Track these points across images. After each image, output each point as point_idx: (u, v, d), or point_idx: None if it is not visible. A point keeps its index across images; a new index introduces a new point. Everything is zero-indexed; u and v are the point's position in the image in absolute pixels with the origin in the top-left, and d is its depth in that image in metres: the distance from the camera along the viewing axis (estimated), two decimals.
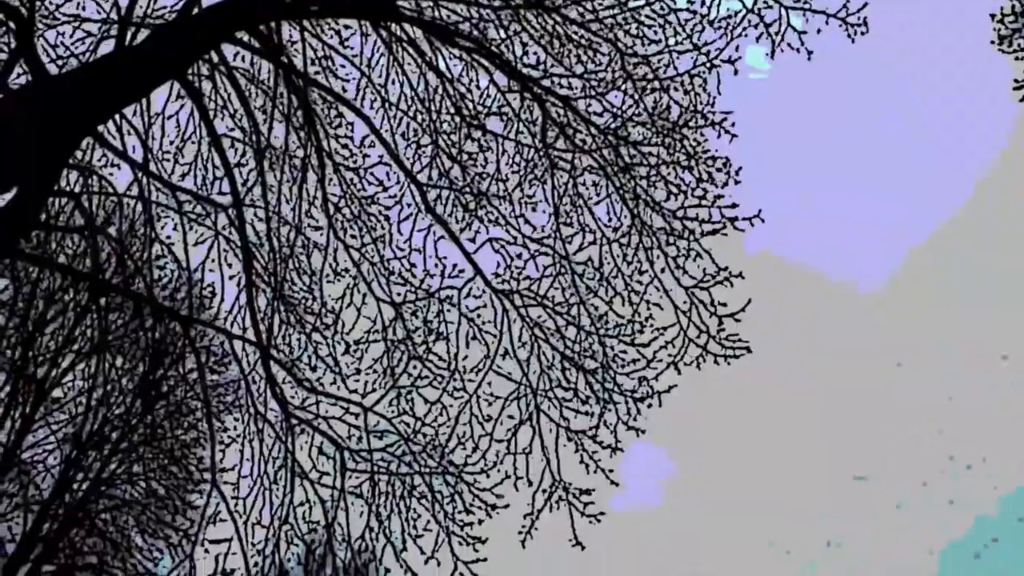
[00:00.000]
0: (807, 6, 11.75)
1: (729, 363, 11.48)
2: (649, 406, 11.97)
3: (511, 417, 11.57)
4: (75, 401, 20.06)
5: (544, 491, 11.20)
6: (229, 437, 12.75)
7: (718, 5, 12.07)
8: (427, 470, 11.45)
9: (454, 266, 12.21)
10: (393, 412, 11.68)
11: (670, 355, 11.54)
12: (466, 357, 11.88)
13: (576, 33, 12.68)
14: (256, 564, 11.62)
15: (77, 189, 13.06)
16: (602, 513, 11.28)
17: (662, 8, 12.26)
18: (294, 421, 11.58)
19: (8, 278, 19.43)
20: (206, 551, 11.64)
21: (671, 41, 12.43)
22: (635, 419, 11.71)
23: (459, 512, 11.27)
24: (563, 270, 12.04)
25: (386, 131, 13.07)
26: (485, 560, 11.02)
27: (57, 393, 20.10)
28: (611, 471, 11.62)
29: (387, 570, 11.23)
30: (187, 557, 12.34)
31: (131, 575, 19.16)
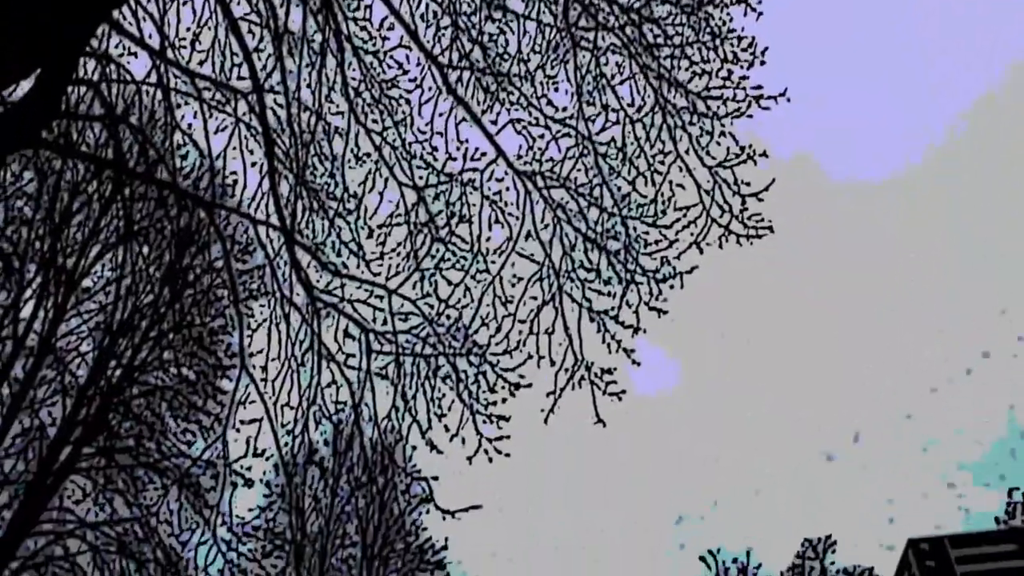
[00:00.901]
0: None
1: (752, 243, 11.46)
2: (671, 287, 12.01)
3: (534, 298, 11.66)
4: (104, 291, 20.39)
5: (566, 370, 11.34)
6: (256, 322, 12.94)
7: None
8: (451, 351, 11.61)
9: (476, 148, 12.13)
10: (417, 294, 11.79)
11: (692, 235, 11.52)
12: (489, 239, 11.92)
13: None
14: (286, 444, 11.93)
15: (96, 78, 13.00)
16: (623, 391, 11.44)
17: None
18: (319, 304, 11.72)
19: (32, 170, 19.53)
20: (237, 431, 11.95)
21: None
22: (657, 300, 11.76)
23: (483, 391, 11.47)
24: (585, 151, 11.95)
25: (405, 12, 12.82)
26: (508, 437, 11.26)
27: (87, 283, 20.41)
28: (632, 351, 11.75)
29: (413, 448, 11.51)
30: (219, 438, 12.69)
31: (166, 456, 19.75)
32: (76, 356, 20.23)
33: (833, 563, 27.80)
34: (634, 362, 11.87)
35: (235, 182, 13.32)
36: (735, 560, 27.85)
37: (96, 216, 19.80)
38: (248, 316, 13.09)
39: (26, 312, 19.95)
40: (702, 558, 28.14)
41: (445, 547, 28.09)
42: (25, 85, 10.06)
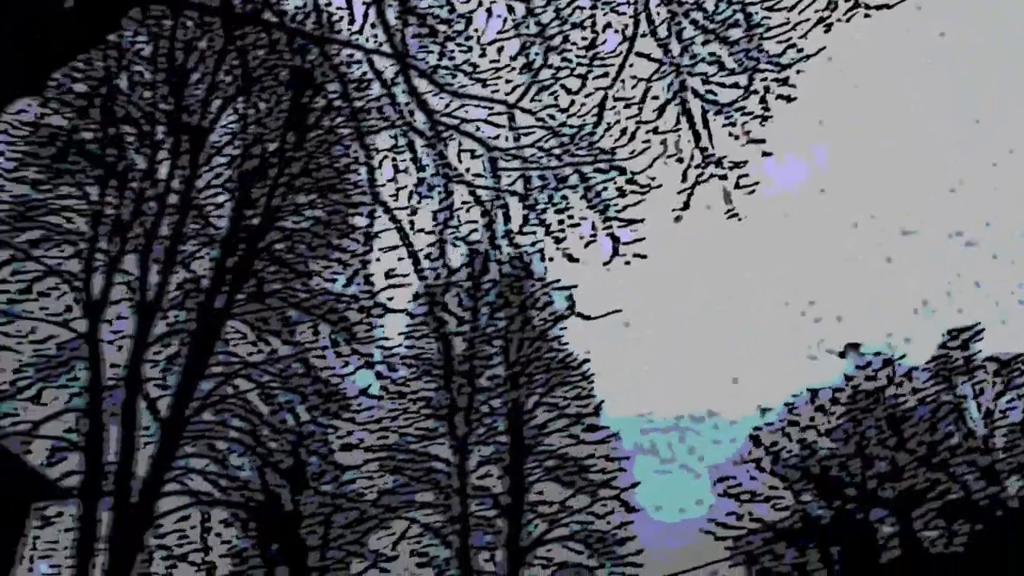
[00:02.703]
0: None
1: (884, 12, 10.77)
2: (798, 72, 11.51)
3: (656, 98, 11.35)
4: (232, 143, 20.97)
5: (696, 167, 11.13)
6: (381, 154, 13.09)
7: None
8: (577, 160, 11.54)
9: None
10: (538, 107, 11.65)
11: (817, 12, 10.89)
12: (604, 42, 11.57)
13: None
14: (425, 268, 12.26)
15: None
16: (756, 183, 11.22)
17: None
18: (441, 128, 11.73)
19: (145, 32, 19.83)
20: (378, 260, 12.34)
21: None
22: (784, 86, 11.31)
23: (613, 197, 11.43)
24: None
25: None
26: (643, 240, 11.26)
27: (213, 138, 21.00)
28: (762, 141, 11.42)
29: (550, 259, 11.64)
30: (360, 271, 13.15)
31: (313, 295, 20.68)
32: (215, 208, 21.09)
33: (979, 351, 27.19)
34: (764, 153, 11.58)
35: (341, 18, 13.25)
36: (877, 353, 27.61)
37: (212, 70, 20.15)
38: (373, 149, 13.24)
39: (162, 172, 20.79)
40: (842, 353, 27.98)
41: (587, 359, 28.82)
42: None
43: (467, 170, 12.00)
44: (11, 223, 20.11)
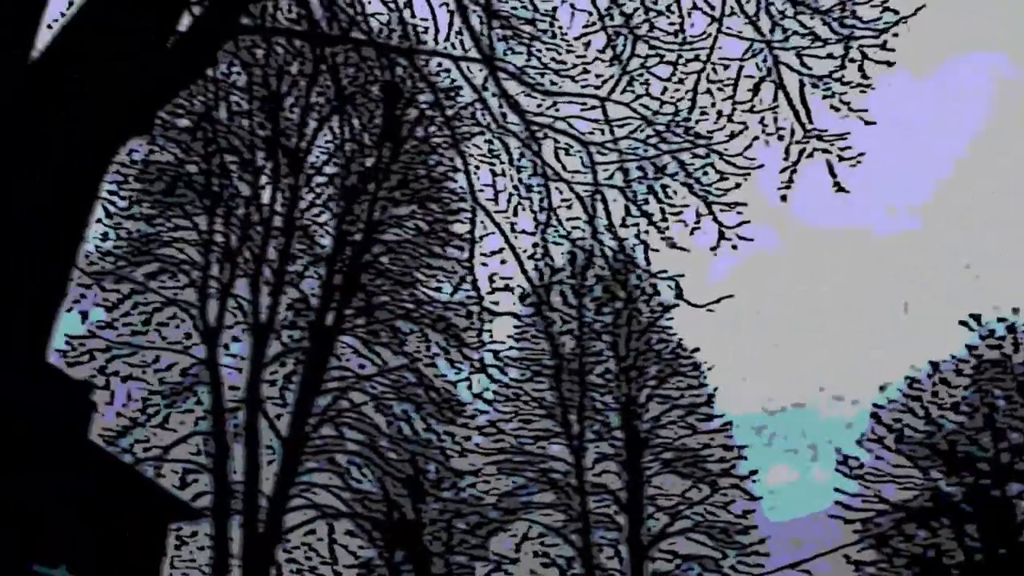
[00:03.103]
0: None
1: None
2: (895, 35, 11.15)
3: (750, 77, 11.15)
4: (330, 162, 21.43)
5: (797, 143, 10.89)
6: (477, 159, 13.19)
7: None
8: (675, 147, 11.42)
9: None
10: (630, 98, 11.57)
11: None
12: (692, 25, 11.42)
13: None
14: (529, 268, 12.29)
15: None
16: (862, 154, 10.91)
17: None
18: (535, 128, 11.75)
19: (238, 63, 20.38)
20: (484, 265, 12.43)
21: None
22: (883, 51, 10.97)
23: (714, 182, 11.27)
24: None
25: None
26: (748, 222, 11.08)
27: (311, 159, 21.50)
28: (864, 110, 11.11)
29: (654, 250, 11.55)
30: (465, 278, 13.27)
31: (420, 305, 20.94)
32: (318, 227, 21.58)
33: None
34: (866, 122, 11.26)
35: (426, 29, 13.40)
36: (1000, 320, 26.45)
37: (305, 92, 20.62)
38: (469, 155, 13.35)
39: (265, 197, 21.38)
40: (963, 322, 26.88)
41: (697, 348, 28.46)
42: None
43: (564, 167, 12.00)
44: (129, 258, 20.95)
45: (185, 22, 7.66)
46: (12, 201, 2.86)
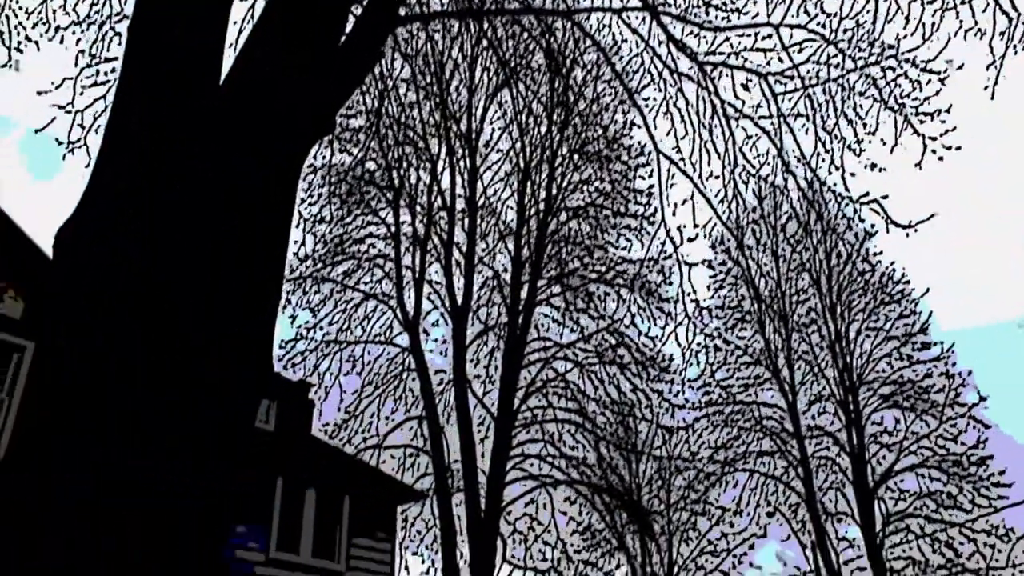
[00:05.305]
0: None
1: None
2: None
3: None
4: (503, 137, 21.54)
5: (1001, 35, 9.97)
6: (653, 110, 12.87)
7: None
8: (860, 63, 10.75)
9: None
10: (805, 19, 10.95)
11: None
12: None
13: None
14: (721, 213, 11.89)
15: None
16: None
17: None
18: (708, 67, 11.33)
19: (399, 55, 20.72)
20: (674, 215, 12.14)
21: None
22: None
23: (909, 92, 10.52)
24: None
25: None
26: (954, 129, 10.28)
27: (484, 138, 21.67)
28: None
29: (851, 174, 10.93)
30: (655, 227, 13.01)
31: (611, 267, 20.78)
32: (500, 204, 21.77)
33: None
34: None
35: None
36: None
37: (469, 72, 20.78)
38: (646, 108, 13.06)
39: (445, 181, 21.75)
40: None
41: (906, 275, 27.02)
42: None
43: (744, 104, 11.52)
44: (326, 260, 21.84)
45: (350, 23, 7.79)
46: (224, 216, 2.94)
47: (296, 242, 21.75)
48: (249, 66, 6.41)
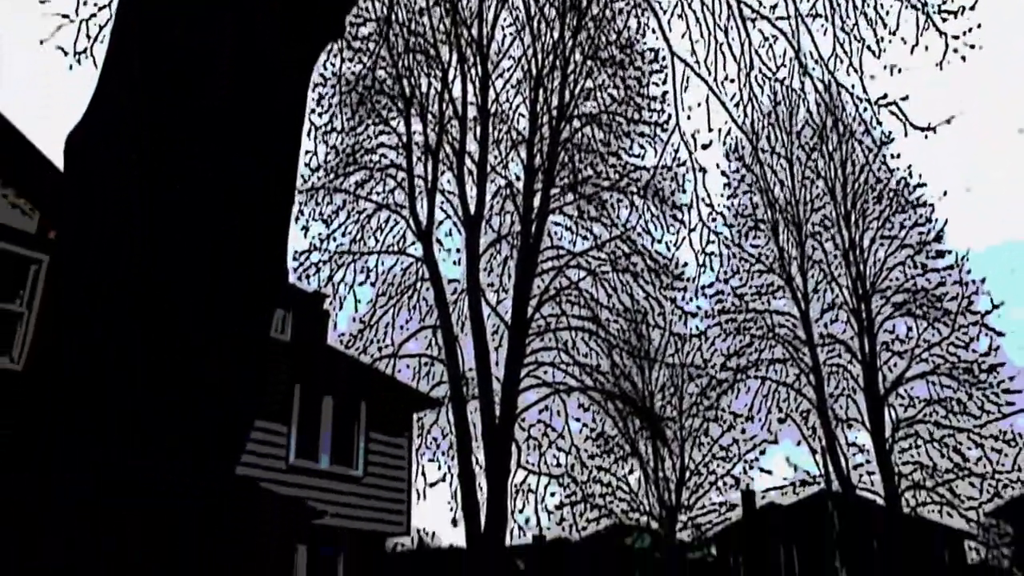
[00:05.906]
0: None
1: None
2: None
3: None
4: (515, 44, 21.13)
5: None
6: (667, 12, 12.59)
7: None
8: None
9: None
10: None
11: None
12: None
13: None
14: (735, 117, 11.74)
15: None
16: None
17: None
18: None
19: None
20: (688, 118, 11.98)
21: None
22: None
23: None
24: None
25: None
26: (979, 26, 10.03)
27: (495, 45, 21.26)
28: None
29: (871, 76, 10.72)
30: (668, 134, 12.86)
31: (624, 174, 20.62)
32: (512, 112, 21.53)
33: None
34: None
35: None
36: None
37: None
38: (661, 10, 12.78)
39: (456, 90, 21.48)
40: None
41: (922, 183, 26.77)
42: None
43: (761, 4, 11.26)
44: (337, 171, 21.70)
45: None
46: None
47: (308, 152, 21.60)
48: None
